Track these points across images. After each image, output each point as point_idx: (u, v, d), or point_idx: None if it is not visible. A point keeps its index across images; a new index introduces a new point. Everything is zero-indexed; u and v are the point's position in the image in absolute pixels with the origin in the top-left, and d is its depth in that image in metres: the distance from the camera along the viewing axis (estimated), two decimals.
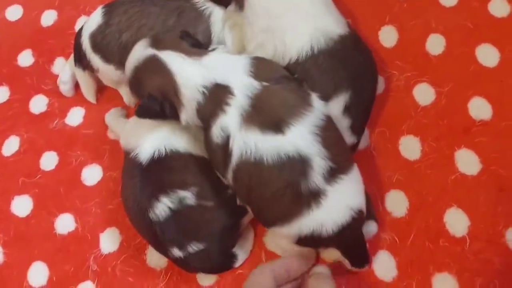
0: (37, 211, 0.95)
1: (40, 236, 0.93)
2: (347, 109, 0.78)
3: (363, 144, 0.89)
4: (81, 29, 0.96)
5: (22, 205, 0.96)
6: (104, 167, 0.97)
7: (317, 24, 0.78)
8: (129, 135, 0.84)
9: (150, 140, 0.80)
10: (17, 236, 0.94)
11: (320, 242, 0.69)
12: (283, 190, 0.66)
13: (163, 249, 0.78)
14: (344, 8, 1.00)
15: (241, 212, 0.80)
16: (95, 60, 0.94)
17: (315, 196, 0.66)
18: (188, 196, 0.77)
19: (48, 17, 1.15)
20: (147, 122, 0.79)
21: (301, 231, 0.68)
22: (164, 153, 0.78)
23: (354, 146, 0.85)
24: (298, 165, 0.65)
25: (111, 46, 0.91)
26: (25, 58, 1.11)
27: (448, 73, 0.92)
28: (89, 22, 0.94)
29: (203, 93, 0.71)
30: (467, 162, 0.85)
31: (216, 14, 0.89)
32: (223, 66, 0.73)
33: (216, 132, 0.70)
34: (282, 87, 0.71)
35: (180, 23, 0.88)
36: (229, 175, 0.71)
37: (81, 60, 0.96)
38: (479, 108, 0.89)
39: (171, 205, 0.75)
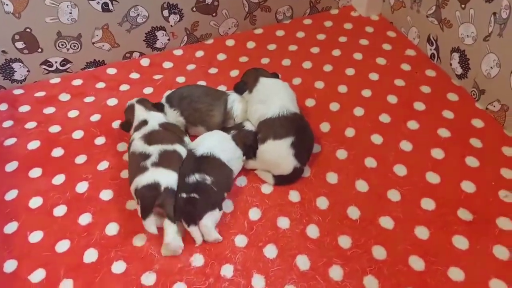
0: None
1: None
2: (292, 145, 1.55)
3: (306, 173, 1.63)
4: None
5: None
6: None
7: (284, 104, 1.61)
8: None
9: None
10: None
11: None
12: None
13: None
14: (307, 113, 1.83)
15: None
16: (166, 106, 1.76)
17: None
18: (207, 179, 1.48)
19: None
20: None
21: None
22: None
23: (299, 172, 1.60)
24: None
25: (175, 98, 1.75)
26: (116, 124, 1.90)
27: (357, 145, 1.71)
28: (168, 92, 1.81)
29: None
30: (362, 186, 1.58)
31: (232, 95, 1.75)
32: None
33: None
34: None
35: (214, 93, 1.77)
36: None
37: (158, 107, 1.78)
38: (371, 163, 1.65)
39: (198, 178, 1.47)
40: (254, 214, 1.53)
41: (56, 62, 2.12)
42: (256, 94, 1.68)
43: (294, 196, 1.57)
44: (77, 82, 2.13)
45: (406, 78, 1.97)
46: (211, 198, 1.46)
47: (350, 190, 1.57)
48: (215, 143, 1.57)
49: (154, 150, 1.55)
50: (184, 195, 1.45)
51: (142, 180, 1.48)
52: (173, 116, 1.75)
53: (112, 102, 2.01)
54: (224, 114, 1.72)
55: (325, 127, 1.80)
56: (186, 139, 1.70)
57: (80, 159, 1.77)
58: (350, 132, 1.76)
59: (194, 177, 1.47)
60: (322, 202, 1.54)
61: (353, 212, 1.50)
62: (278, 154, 1.56)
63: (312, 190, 1.58)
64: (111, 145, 1.81)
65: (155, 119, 1.68)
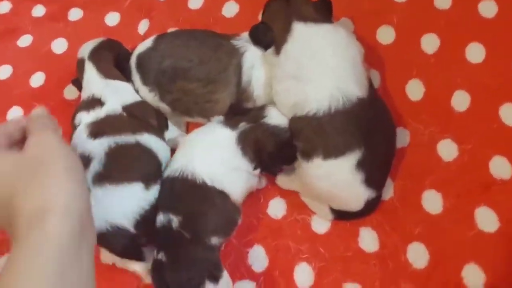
0: None
1: None
2: (360, 165, 0.84)
3: (386, 194, 0.95)
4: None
5: None
6: None
7: (339, 84, 0.84)
8: None
9: None
10: None
11: None
12: None
13: None
14: (374, 59, 1.05)
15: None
16: (136, 79, 1.02)
17: None
18: (173, 220, 0.85)
19: None
20: None
21: None
22: None
23: (375, 202, 0.92)
24: None
25: (151, 69, 0.99)
26: (71, 92, 1.18)
27: (471, 131, 0.96)
28: (142, 45, 1.03)
29: None
30: (486, 219, 0.90)
31: (250, 52, 0.96)
32: None
33: None
34: None
35: (216, 56, 0.96)
36: None
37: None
38: (500, 167, 0.92)
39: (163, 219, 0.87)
40: (304, 277, 0.92)
41: None
42: (286, 59, 0.90)
43: (367, 240, 0.93)
44: (5, 6, 1.34)
45: None
46: (187, 262, 0.83)
47: (464, 232, 0.90)
48: (197, 153, 0.90)
49: (98, 149, 0.90)
50: (154, 253, 0.86)
51: None
52: (148, 98, 1.02)
53: (59, 45, 1.26)
54: (237, 93, 0.97)
55: (414, 90, 1.02)
56: (173, 132, 1.03)
57: None
58: (460, 104, 0.99)
59: (160, 218, 0.86)
60: (418, 254, 0.90)
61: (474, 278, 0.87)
62: (335, 183, 0.87)
63: (398, 227, 0.92)
64: (67, 133, 1.13)
65: (117, 97, 0.98)
